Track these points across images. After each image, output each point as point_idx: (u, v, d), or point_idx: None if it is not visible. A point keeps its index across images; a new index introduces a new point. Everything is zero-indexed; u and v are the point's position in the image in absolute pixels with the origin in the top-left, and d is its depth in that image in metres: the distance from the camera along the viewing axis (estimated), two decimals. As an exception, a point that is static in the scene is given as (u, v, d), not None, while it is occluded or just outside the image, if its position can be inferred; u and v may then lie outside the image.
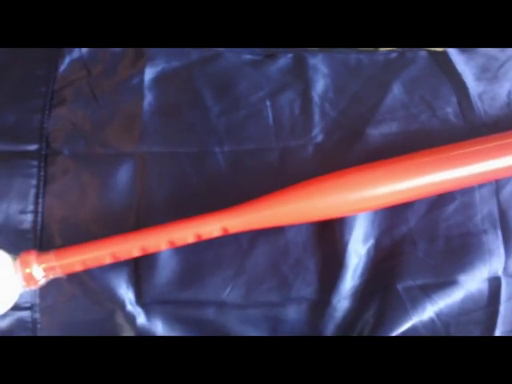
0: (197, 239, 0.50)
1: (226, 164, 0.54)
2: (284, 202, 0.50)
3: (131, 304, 0.52)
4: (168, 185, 0.53)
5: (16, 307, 0.49)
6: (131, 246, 0.49)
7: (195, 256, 0.52)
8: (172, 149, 0.54)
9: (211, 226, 0.49)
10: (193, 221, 0.49)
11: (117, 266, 0.51)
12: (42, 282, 0.48)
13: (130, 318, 0.51)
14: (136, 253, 0.49)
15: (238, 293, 0.52)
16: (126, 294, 0.52)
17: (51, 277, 0.49)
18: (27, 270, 0.47)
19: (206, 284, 0.52)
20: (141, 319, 0.51)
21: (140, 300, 0.52)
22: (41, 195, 0.53)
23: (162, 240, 0.49)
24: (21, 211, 0.52)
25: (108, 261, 0.49)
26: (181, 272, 0.52)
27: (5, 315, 0.49)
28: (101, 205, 0.53)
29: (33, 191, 0.53)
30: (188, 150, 0.54)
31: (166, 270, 0.52)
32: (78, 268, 0.49)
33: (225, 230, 0.49)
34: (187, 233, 0.49)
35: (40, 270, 0.48)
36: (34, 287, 0.48)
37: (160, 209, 0.53)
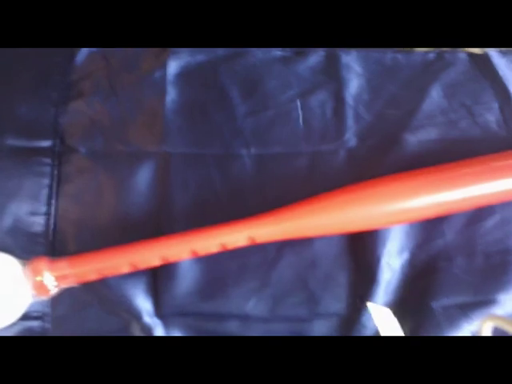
0: (221, 249, 0.46)
1: (253, 168, 0.51)
2: (317, 212, 0.46)
3: (149, 315, 0.48)
4: (191, 189, 0.50)
5: (25, 316, 0.46)
6: (151, 255, 0.45)
7: (217, 266, 0.49)
8: (196, 150, 0.51)
9: (237, 236, 0.45)
10: (218, 229, 0.46)
11: (134, 274, 0.48)
12: (54, 291, 0.45)
13: (147, 330, 0.48)
14: (156, 262, 0.46)
15: (262, 306, 0.48)
16: (144, 305, 0.48)
17: (64, 286, 0.45)
18: (38, 278, 0.44)
19: (229, 296, 0.49)
20: (158, 331, 0.48)
21: (158, 311, 0.49)
22: (54, 196, 0.49)
23: (185, 249, 0.45)
24: (32, 213, 0.49)
25: (125, 270, 0.45)
26: (202, 283, 0.49)
27: (13, 324, 0.45)
28: (119, 208, 0.49)
29: (45, 191, 0.50)
30: (213, 151, 0.51)
31: (186, 280, 0.49)
32: (93, 277, 0.45)
33: (252, 239, 0.46)
34: (211, 242, 0.45)
35: (52, 278, 0.44)
36: (44, 297, 0.45)
37: (182, 214, 0.49)
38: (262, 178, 0.50)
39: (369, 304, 0.44)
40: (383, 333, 0.42)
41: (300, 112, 0.52)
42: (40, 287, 0.44)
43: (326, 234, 0.48)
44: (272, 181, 0.50)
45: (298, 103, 0.53)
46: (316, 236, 0.49)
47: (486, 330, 0.38)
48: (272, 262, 0.49)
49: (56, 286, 0.44)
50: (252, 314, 0.48)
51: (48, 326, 0.48)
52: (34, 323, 0.48)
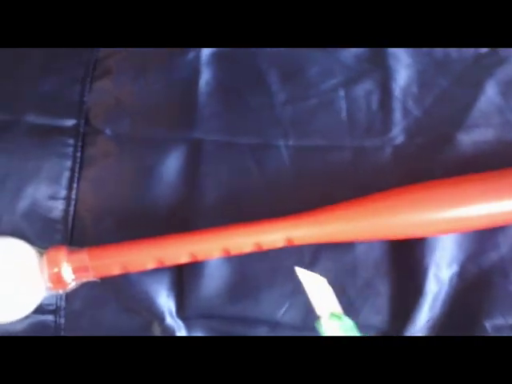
0: (256, 249, 0.42)
1: (291, 161, 0.46)
2: (363, 215, 0.42)
3: (171, 316, 0.44)
4: (223, 180, 0.45)
5: (38, 309, 0.42)
6: (180, 251, 0.41)
7: (248, 266, 0.45)
8: (230, 138, 0.47)
9: (275, 236, 0.41)
10: (254, 227, 0.42)
11: (158, 271, 0.44)
12: (72, 285, 0.40)
13: (169, 332, 0.44)
14: (184, 259, 0.41)
15: (295, 313, 0.44)
16: (166, 304, 0.44)
17: (82, 280, 0.41)
18: (55, 270, 0.40)
19: (260, 300, 0.44)
20: (181, 334, 0.44)
21: (181, 312, 0.45)
22: (75, 180, 0.45)
23: (216, 247, 0.41)
24: (51, 197, 0.45)
25: (150, 266, 0.41)
26: (230, 284, 0.45)
27: (26, 317, 0.41)
28: (144, 197, 0.45)
29: (66, 174, 0.46)
30: (248, 140, 0.47)
31: (213, 280, 0.44)
32: (115, 272, 0.41)
33: (290, 241, 0.41)
34: (246, 241, 0.41)
35: (70, 270, 0.40)
36: (61, 290, 0.41)
37: (212, 208, 0.45)
38: (300, 172, 0.46)
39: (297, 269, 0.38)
40: (313, 302, 0.37)
41: (343, 102, 0.48)
42: (57, 279, 0.40)
43: (371, 240, 0.44)
44: (311, 175, 0.46)
45: (342, 93, 0.48)
46: (359, 241, 0.44)
47: None
48: (308, 266, 0.44)
49: (74, 280, 0.40)
50: (283, 321, 0.44)
51: (62, 320, 0.44)
52: (48, 317, 0.44)
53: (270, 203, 0.45)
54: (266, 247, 0.42)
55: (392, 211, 0.42)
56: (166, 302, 0.44)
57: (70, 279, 0.40)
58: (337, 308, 0.36)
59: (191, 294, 0.44)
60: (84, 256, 0.40)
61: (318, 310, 0.36)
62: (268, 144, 0.47)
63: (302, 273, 0.37)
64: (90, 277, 0.41)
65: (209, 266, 0.44)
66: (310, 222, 0.42)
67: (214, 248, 0.41)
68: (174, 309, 0.45)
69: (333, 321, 0.36)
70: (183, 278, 0.45)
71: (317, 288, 0.37)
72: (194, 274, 0.44)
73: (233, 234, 0.42)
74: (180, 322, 0.45)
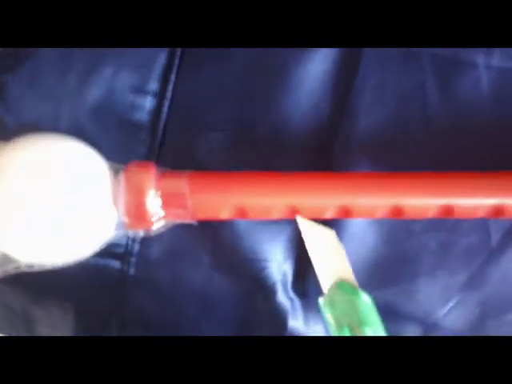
0: (443, 214, 0.27)
1: (491, 87, 0.31)
2: None
3: (285, 289, 0.30)
4: (390, 100, 0.31)
5: (103, 252, 0.28)
6: (327, 200, 0.26)
7: (406, 240, 0.30)
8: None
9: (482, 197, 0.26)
10: (451, 179, 0.26)
11: (275, 222, 0.29)
12: (157, 225, 0.26)
13: (277, 312, 0.30)
14: (330, 213, 0.27)
15: (462, 315, 0.30)
16: (280, 271, 0.30)
17: (171, 220, 0.26)
18: (137, 198, 0.25)
19: (415, 289, 0.31)
20: (296, 315, 0.30)
21: (300, 286, 0.31)
22: (174, 70, 0.30)
23: (384, 201, 0.27)
24: (136, 89, 0.30)
25: (277, 215, 0.27)
26: (377, 259, 0.31)
27: (85, 260, 0.27)
28: (272, 113, 0.30)
29: (162, 60, 0.30)
30: (433, 50, 0.31)
31: (353, 249, 0.30)
32: (224, 214, 0.27)
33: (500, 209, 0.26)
34: (432, 201, 0.26)
35: (159, 201, 0.25)
36: (140, 231, 0.27)
37: (368, 137, 0.30)
38: (500, 106, 0.30)
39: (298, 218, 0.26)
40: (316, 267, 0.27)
41: None
42: (137, 213, 0.25)
43: None
44: None
45: None
46: None
47: None
48: (493, 253, 0.30)
49: (162, 217, 0.26)
50: (444, 323, 0.30)
51: (130, 270, 0.30)
52: (112, 263, 0.30)
53: (453, 143, 0.29)
54: (459, 214, 0.27)
55: None
56: (280, 267, 0.30)
57: (158, 215, 0.26)
58: (349, 276, 0.27)
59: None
60: (182, 184, 0.26)
61: (322, 278, 0.27)
62: (462, 61, 0.30)
63: (303, 223, 0.27)
64: (185, 216, 0.26)
65: (350, 226, 0.29)
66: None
67: (379, 203, 0.26)
68: (290, 280, 0.31)
69: (340, 293, 0.26)
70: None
71: (323, 246, 0.27)
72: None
73: (412, 184, 0.26)
74: (296, 300, 0.31)
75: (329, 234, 0.27)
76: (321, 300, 0.27)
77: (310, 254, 0.27)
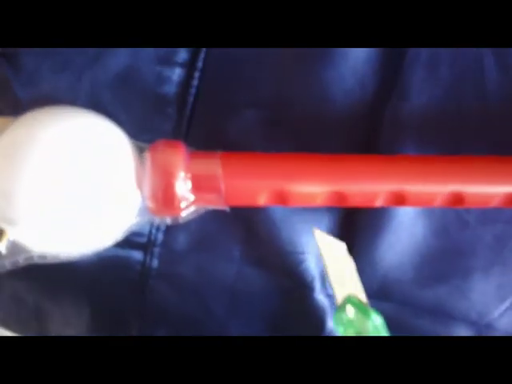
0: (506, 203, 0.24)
1: None
2: None
3: (323, 285, 0.27)
4: (442, 78, 0.27)
5: (124, 242, 0.24)
6: (378, 185, 0.23)
7: (458, 233, 0.27)
8: None
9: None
10: None
11: (316, 211, 0.26)
12: (186, 212, 0.23)
13: (315, 312, 0.27)
14: (380, 201, 0.24)
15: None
16: (318, 265, 0.27)
17: (204, 205, 0.23)
18: (165, 180, 0.22)
19: (468, 288, 0.28)
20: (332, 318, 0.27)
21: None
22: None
23: (442, 189, 0.23)
24: (163, 59, 0.27)
25: (319, 202, 0.24)
26: (425, 254, 0.28)
27: (105, 250, 0.24)
28: (314, 85, 0.27)
29: None
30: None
31: (399, 243, 0.27)
32: (261, 200, 0.24)
33: None
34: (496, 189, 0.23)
35: (189, 184, 0.22)
36: (167, 218, 0.24)
37: (414, 118, 0.27)
38: None
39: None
40: (326, 263, 0.25)
41: None
42: (165, 196, 0.22)
43: None
44: None
45: None
46: None
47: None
48: None
49: (191, 202, 0.23)
50: (498, 324, 0.27)
51: (154, 262, 0.27)
52: (135, 254, 0.27)
53: (508, 125, 0.26)
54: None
55: None
56: (318, 263, 0.27)
57: (187, 200, 0.22)
58: (359, 293, 0.25)
59: (362, 258, 0.27)
60: (215, 165, 0.23)
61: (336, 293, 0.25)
62: None
63: (320, 236, 0.25)
64: (218, 201, 0.23)
65: (398, 215, 0.26)
66: None
67: (437, 190, 0.23)
68: (329, 276, 0.27)
69: (350, 309, 0.25)
70: (353, 229, 0.27)
71: (336, 259, 0.25)
72: (370, 225, 0.26)
73: (475, 172, 0.23)
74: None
75: (340, 247, 0.25)
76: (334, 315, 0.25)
77: (325, 267, 0.25)
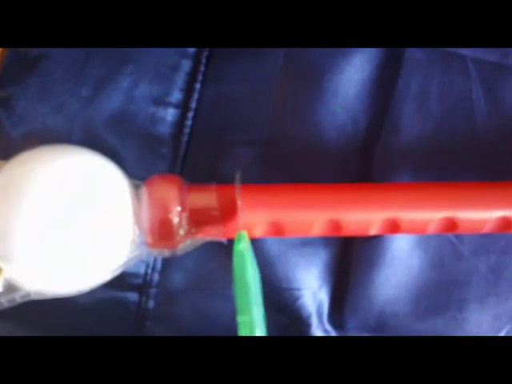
0: (501, 229, 0.24)
1: None
2: None
3: (320, 321, 0.28)
4: (431, 102, 0.28)
5: (116, 281, 0.24)
6: (373, 214, 0.23)
7: (453, 262, 0.28)
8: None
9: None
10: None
11: (309, 244, 0.27)
12: (183, 244, 0.23)
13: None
14: (375, 229, 0.24)
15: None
16: (316, 301, 0.27)
17: (199, 238, 0.23)
18: (162, 214, 0.22)
19: (464, 318, 0.28)
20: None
21: (338, 317, 0.28)
22: (199, 78, 0.28)
23: (437, 215, 0.23)
24: (158, 100, 0.27)
25: (316, 231, 0.24)
26: (422, 285, 0.28)
27: (97, 292, 0.24)
28: (308, 121, 0.27)
29: (186, 67, 0.28)
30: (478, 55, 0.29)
31: (396, 275, 0.27)
32: (258, 231, 0.24)
33: None
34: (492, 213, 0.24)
35: (185, 217, 0.23)
36: (164, 251, 0.24)
37: (409, 144, 0.28)
38: None
39: None
40: None
41: None
42: (162, 231, 0.22)
43: None
44: None
45: None
46: None
47: None
48: None
49: (187, 234, 0.23)
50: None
51: (150, 303, 0.26)
52: (130, 295, 0.26)
53: (499, 154, 0.28)
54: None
55: None
56: (315, 296, 0.27)
57: (182, 232, 0.23)
58: None
59: (357, 293, 0.27)
60: (211, 197, 0.23)
61: None
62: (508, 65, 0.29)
63: None
64: (215, 233, 0.23)
65: (393, 249, 0.27)
66: None
67: (431, 217, 0.24)
68: (326, 311, 0.27)
69: None
70: (349, 263, 0.27)
71: None
72: (366, 259, 0.27)
73: (469, 197, 0.24)
74: (333, 333, 0.27)
75: None
76: None
77: None
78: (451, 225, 0.24)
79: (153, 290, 0.27)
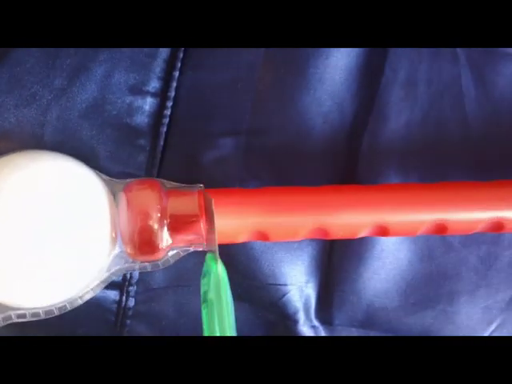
0: (492, 229, 0.23)
1: None
2: None
3: (307, 318, 0.27)
4: (420, 96, 0.27)
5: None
6: (360, 217, 0.22)
7: (443, 256, 0.27)
8: None
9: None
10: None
11: (295, 243, 0.26)
12: (163, 252, 0.22)
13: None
14: (364, 231, 0.23)
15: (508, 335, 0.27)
16: (302, 298, 0.27)
17: (184, 247, 0.22)
18: (141, 223, 0.21)
19: (455, 311, 0.27)
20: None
21: (325, 313, 0.27)
22: (178, 64, 0.26)
23: (427, 217, 0.23)
24: (133, 88, 0.25)
25: (302, 235, 0.23)
26: (411, 279, 0.27)
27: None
28: (289, 113, 0.26)
29: (163, 55, 0.26)
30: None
31: (383, 270, 0.27)
32: (243, 238, 0.23)
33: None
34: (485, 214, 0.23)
35: (166, 223, 0.21)
36: (147, 262, 0.22)
37: (395, 139, 0.26)
38: None
39: None
40: None
41: None
42: (142, 241, 0.21)
43: None
44: None
45: None
46: None
47: None
48: None
49: (170, 245, 0.22)
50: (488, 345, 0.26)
51: (130, 301, 0.25)
52: (110, 294, 0.26)
53: (489, 144, 0.27)
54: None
55: None
56: (301, 292, 0.27)
57: (166, 242, 0.21)
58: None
59: (345, 287, 0.26)
60: (191, 201, 0.22)
61: None
62: (504, 52, 0.27)
63: None
64: (198, 241, 0.22)
65: (381, 242, 0.26)
66: None
67: (421, 219, 0.23)
68: (313, 306, 0.27)
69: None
70: (336, 257, 0.26)
71: None
72: (352, 254, 0.26)
73: (458, 198, 0.23)
74: (321, 329, 0.27)
75: None
76: None
77: None
78: (441, 227, 0.23)
79: (133, 288, 0.26)
